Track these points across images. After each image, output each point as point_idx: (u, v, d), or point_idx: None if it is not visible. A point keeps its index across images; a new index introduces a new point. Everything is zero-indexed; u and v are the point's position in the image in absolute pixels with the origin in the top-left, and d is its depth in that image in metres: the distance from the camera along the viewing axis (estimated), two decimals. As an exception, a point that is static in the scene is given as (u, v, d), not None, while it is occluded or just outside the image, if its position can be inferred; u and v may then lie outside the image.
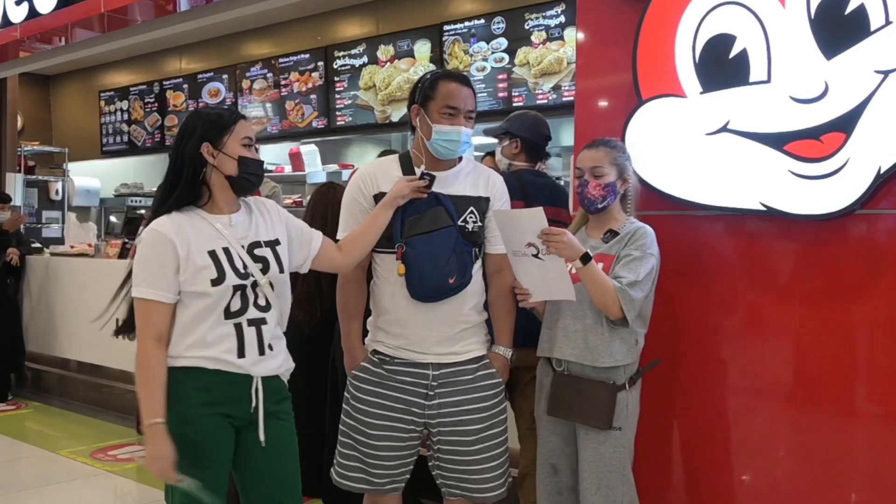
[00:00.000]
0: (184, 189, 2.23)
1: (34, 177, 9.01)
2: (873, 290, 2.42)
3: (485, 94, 5.84)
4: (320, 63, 6.98)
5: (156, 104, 8.46)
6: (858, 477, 2.46)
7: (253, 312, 2.24)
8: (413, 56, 6.36)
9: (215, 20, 5.87)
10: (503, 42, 5.85)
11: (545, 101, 5.62)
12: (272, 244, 2.31)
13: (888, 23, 2.32)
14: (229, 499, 2.29)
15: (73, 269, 6.44)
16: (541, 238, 2.33)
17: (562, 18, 5.53)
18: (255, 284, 2.24)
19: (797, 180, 2.46)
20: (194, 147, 2.22)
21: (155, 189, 6.39)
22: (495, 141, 3.39)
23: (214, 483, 2.21)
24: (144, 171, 9.18)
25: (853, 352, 2.46)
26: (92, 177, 9.26)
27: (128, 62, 8.83)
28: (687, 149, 2.67)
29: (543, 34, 5.62)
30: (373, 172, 2.57)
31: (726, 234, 2.70)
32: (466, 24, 6.06)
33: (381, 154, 3.62)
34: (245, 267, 2.22)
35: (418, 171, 2.50)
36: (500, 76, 5.87)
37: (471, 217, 2.51)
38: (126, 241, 6.33)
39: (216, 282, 2.17)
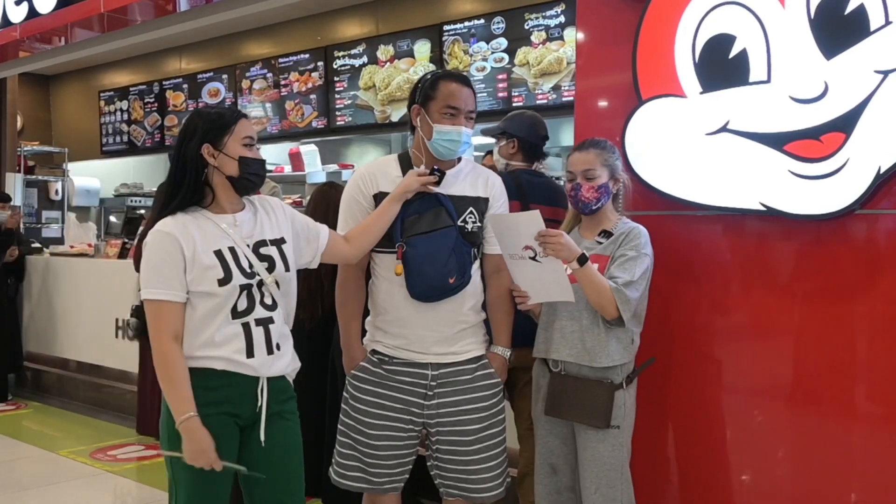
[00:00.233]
0: (187, 190, 2.23)
1: (34, 177, 9.00)
2: (873, 290, 2.42)
3: (485, 95, 5.84)
4: (320, 63, 6.97)
5: (155, 104, 8.45)
6: (857, 476, 2.46)
7: (260, 312, 2.24)
8: (413, 56, 6.36)
9: (215, 20, 5.87)
10: (503, 42, 5.85)
11: (545, 101, 5.62)
12: (278, 242, 2.31)
13: (888, 23, 2.32)
14: (233, 498, 2.29)
15: (73, 269, 6.44)
16: (538, 240, 2.33)
17: (562, 18, 5.53)
18: (260, 283, 2.23)
19: (797, 180, 2.46)
20: (195, 148, 2.22)
21: (155, 189, 6.41)
22: (494, 141, 3.39)
23: (219, 482, 2.21)
24: (144, 171, 9.18)
25: (852, 351, 2.46)
26: (92, 177, 9.26)
27: (127, 62, 8.83)
28: (687, 149, 2.67)
29: (543, 34, 5.62)
30: (372, 172, 2.57)
31: (726, 233, 2.70)
32: (466, 24, 6.05)
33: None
34: (251, 266, 2.22)
35: (422, 169, 2.50)
36: (500, 76, 5.87)
37: (470, 217, 2.52)
38: (126, 241, 6.33)
39: (223, 282, 2.17)
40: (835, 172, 2.40)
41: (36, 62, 7.62)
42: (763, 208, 2.53)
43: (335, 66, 6.86)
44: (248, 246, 2.24)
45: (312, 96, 7.08)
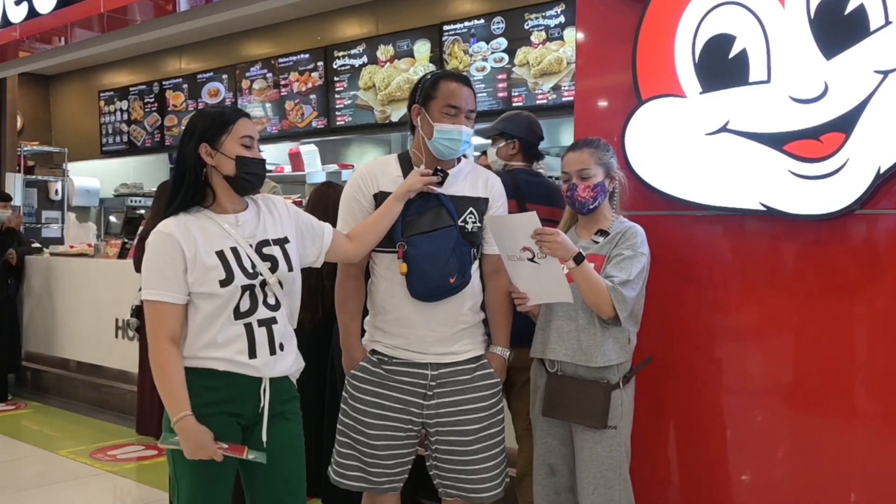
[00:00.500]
0: (188, 190, 2.23)
1: (34, 177, 9.01)
2: (873, 290, 2.42)
3: (484, 95, 5.84)
4: (320, 63, 6.97)
5: (155, 104, 8.45)
6: (857, 476, 2.46)
7: (263, 312, 2.24)
8: (413, 56, 6.36)
9: (215, 20, 5.87)
10: (503, 42, 5.85)
11: (545, 101, 5.62)
12: (281, 242, 2.30)
13: (888, 23, 2.32)
14: (234, 498, 2.29)
15: (73, 269, 6.45)
16: (534, 238, 2.33)
17: (561, 18, 5.53)
18: (263, 283, 2.23)
19: (797, 180, 2.46)
20: (193, 148, 2.22)
21: (154, 189, 6.41)
22: (488, 141, 3.39)
23: (220, 479, 2.22)
24: (144, 171, 9.19)
25: (852, 351, 2.46)
26: (91, 177, 9.26)
27: (127, 62, 8.83)
28: (687, 149, 2.67)
29: (543, 34, 5.61)
30: (372, 171, 2.57)
31: (726, 233, 2.70)
32: (466, 24, 6.05)
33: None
34: (254, 266, 2.22)
35: (424, 169, 2.50)
36: (500, 76, 5.87)
37: (470, 217, 2.52)
38: (126, 241, 6.34)
39: (225, 282, 2.17)
40: (835, 172, 2.39)
41: (36, 62, 7.62)
42: (763, 208, 2.53)
43: (335, 66, 6.86)
44: (250, 246, 2.24)
45: (312, 96, 7.08)
